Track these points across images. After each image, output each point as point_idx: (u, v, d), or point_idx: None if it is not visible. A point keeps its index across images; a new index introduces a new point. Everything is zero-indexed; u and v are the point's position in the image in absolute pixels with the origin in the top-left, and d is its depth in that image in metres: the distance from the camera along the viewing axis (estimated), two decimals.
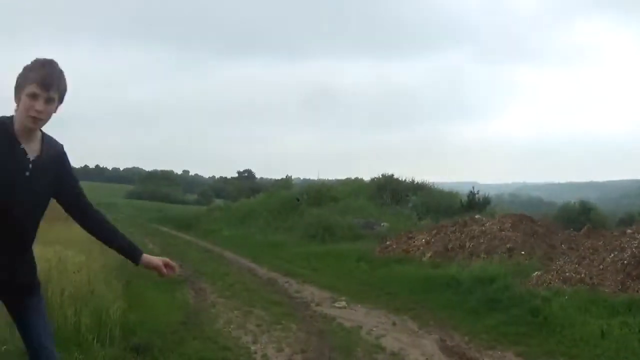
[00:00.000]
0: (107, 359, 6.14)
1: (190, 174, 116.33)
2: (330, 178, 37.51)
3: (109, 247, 3.77)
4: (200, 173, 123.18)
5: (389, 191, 25.16)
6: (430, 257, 13.87)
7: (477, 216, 16.39)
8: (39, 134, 3.50)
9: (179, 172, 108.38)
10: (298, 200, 27.75)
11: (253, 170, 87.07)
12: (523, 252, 12.73)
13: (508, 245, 13.06)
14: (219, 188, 78.62)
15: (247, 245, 21.09)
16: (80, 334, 6.56)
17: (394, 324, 8.90)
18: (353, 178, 35.21)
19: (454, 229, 15.18)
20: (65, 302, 7.03)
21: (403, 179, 26.23)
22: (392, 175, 26.52)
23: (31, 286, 3.66)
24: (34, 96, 3.29)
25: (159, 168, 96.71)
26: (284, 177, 42.11)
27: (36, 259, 3.73)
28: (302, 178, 57.18)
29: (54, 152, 3.55)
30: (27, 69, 3.35)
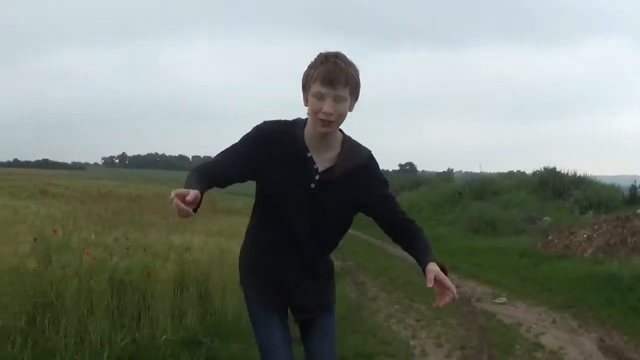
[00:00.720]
0: None
1: None
2: (491, 171, 37.32)
3: None
4: None
5: (551, 185, 24.75)
6: (592, 253, 13.62)
7: (638, 211, 15.99)
8: (338, 140, 3.11)
9: None
10: (460, 193, 27.76)
11: (415, 163, 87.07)
12: None
13: None
14: None
15: None
16: (241, 325, 6.86)
17: (553, 321, 8.84)
18: (515, 171, 34.90)
19: (615, 224, 14.85)
20: (227, 294, 7.43)
21: (565, 172, 25.74)
22: (554, 168, 26.08)
23: (317, 308, 3.37)
24: (320, 96, 2.91)
25: None
26: (446, 170, 42.02)
27: (333, 281, 3.47)
28: (463, 171, 56.89)
29: (353, 164, 3.08)
30: (310, 67, 2.97)
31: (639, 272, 10.57)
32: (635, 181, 23.22)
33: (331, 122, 2.94)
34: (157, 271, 7.02)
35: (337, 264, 14.53)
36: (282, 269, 3.23)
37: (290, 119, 3.15)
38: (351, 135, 3.17)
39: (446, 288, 2.93)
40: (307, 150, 3.04)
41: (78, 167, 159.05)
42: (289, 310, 3.37)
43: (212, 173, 2.99)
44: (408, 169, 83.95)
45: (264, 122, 3.12)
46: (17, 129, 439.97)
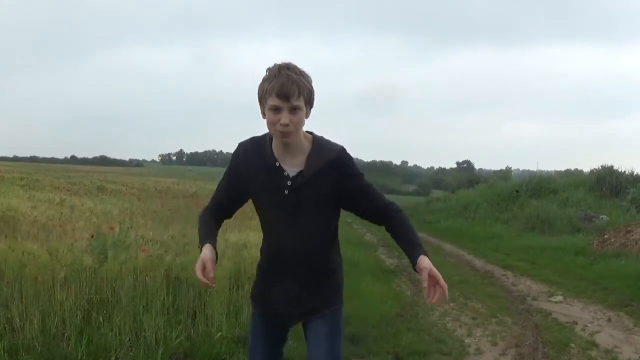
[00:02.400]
0: None
1: (408, 165, 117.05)
2: (548, 169, 37.03)
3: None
4: (418, 164, 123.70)
5: (608, 183, 24.50)
6: None
7: None
8: (306, 143, 3.24)
9: (398, 162, 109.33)
10: (517, 192, 27.64)
11: (472, 160, 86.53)
12: None
13: None
14: (438, 179, 78.71)
15: (465, 237, 21.32)
16: None
17: (609, 320, 8.82)
18: (572, 169, 34.62)
19: None
20: None
21: (622, 171, 25.45)
22: (612, 166, 25.81)
23: (315, 310, 3.36)
24: (276, 109, 3.04)
25: (378, 159, 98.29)
26: (503, 168, 41.79)
27: (338, 280, 3.46)
28: (520, 169, 56.44)
29: (323, 162, 3.19)
30: (263, 80, 3.08)
31: None
32: None
33: (289, 133, 3.09)
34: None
35: (392, 261, 14.69)
36: (279, 279, 3.35)
37: (262, 134, 3.30)
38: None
39: (437, 284, 3.01)
40: (274, 160, 3.20)
41: (135, 164, 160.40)
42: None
43: (216, 218, 3.48)
44: (465, 166, 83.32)
45: (239, 144, 3.34)
46: (75, 125, 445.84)
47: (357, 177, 3.27)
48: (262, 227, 3.41)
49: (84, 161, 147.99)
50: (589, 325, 8.52)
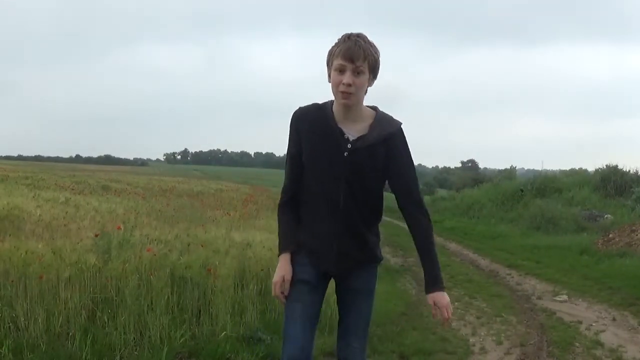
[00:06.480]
0: (324, 347, 6.25)
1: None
2: (554, 169, 37.01)
3: None
4: (423, 163, 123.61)
5: (613, 182, 24.49)
6: None
7: None
8: (369, 112, 3.37)
9: None
10: (522, 191, 27.62)
11: (477, 160, 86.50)
12: None
13: None
14: (442, 178, 78.66)
15: (470, 236, 21.45)
16: None
17: (614, 319, 8.81)
18: (577, 169, 34.59)
19: None
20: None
21: (627, 170, 25.44)
22: (616, 166, 25.80)
23: (357, 262, 3.48)
24: (341, 69, 3.17)
25: None
26: (508, 167, 41.74)
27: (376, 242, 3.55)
28: (525, 168, 56.42)
29: (384, 133, 3.30)
30: (333, 46, 3.24)
31: None
32: None
33: (350, 94, 3.20)
34: (217, 267, 7.09)
35: (397, 260, 14.68)
36: (323, 235, 3.40)
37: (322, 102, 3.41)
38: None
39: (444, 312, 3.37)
40: (336, 122, 3.30)
41: (140, 163, 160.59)
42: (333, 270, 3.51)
43: (295, 211, 3.50)
44: (470, 165, 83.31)
45: (299, 107, 3.42)
46: (80, 124, 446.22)
47: (404, 159, 3.38)
48: (308, 191, 3.44)
49: (89, 160, 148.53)
50: (593, 324, 8.50)
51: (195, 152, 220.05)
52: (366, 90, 3.29)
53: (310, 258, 3.43)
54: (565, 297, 10.44)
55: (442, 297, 3.38)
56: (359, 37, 3.20)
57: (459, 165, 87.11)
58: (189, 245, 8.08)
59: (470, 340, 7.66)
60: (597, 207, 22.09)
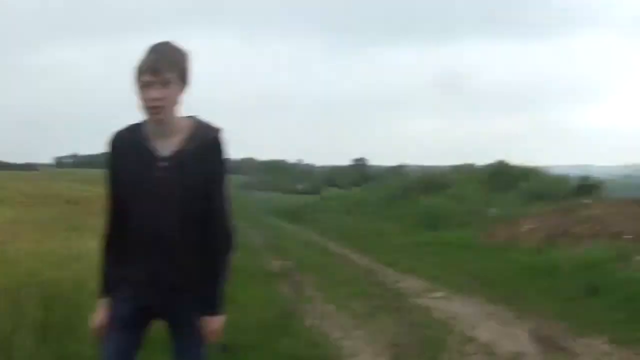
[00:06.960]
0: None
1: (303, 162, 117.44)
2: (445, 164, 37.74)
3: None
4: (313, 162, 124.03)
5: (500, 177, 25.01)
6: (534, 244, 13.65)
7: (584, 201, 16.08)
8: (185, 122, 3.08)
9: (293, 161, 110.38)
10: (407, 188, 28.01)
11: (368, 157, 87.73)
12: (630, 237, 12.31)
13: (614, 230, 12.67)
14: (332, 177, 79.32)
15: (354, 236, 21.35)
16: None
17: (489, 314, 8.80)
18: (465, 164, 35.37)
19: (560, 214, 14.91)
20: None
21: (514, 165, 26.06)
22: (503, 161, 26.39)
23: (183, 298, 3.15)
24: (146, 84, 2.91)
25: (274, 157, 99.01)
26: (398, 164, 42.38)
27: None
28: (418, 164, 57.49)
29: (200, 142, 3.04)
30: (139, 60, 2.97)
31: (579, 262, 10.73)
32: (583, 173, 23.66)
33: (161, 108, 2.95)
34: (88, 282, 6.55)
35: (275, 263, 14.32)
36: (145, 267, 3.11)
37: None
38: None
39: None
40: (146, 139, 3.05)
41: (29, 168, 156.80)
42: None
43: (119, 245, 3.16)
44: (360, 163, 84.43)
45: (114, 131, 3.17)
46: None
47: (215, 168, 3.12)
48: (116, 212, 3.16)
49: None
50: (468, 320, 8.44)
51: (86, 155, 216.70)
52: (179, 100, 3.04)
53: (130, 291, 3.14)
54: (441, 293, 10.38)
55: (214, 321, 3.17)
56: (161, 46, 2.99)
57: (350, 163, 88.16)
58: (62, 259, 7.74)
59: (343, 343, 7.47)
60: (483, 203, 22.41)
